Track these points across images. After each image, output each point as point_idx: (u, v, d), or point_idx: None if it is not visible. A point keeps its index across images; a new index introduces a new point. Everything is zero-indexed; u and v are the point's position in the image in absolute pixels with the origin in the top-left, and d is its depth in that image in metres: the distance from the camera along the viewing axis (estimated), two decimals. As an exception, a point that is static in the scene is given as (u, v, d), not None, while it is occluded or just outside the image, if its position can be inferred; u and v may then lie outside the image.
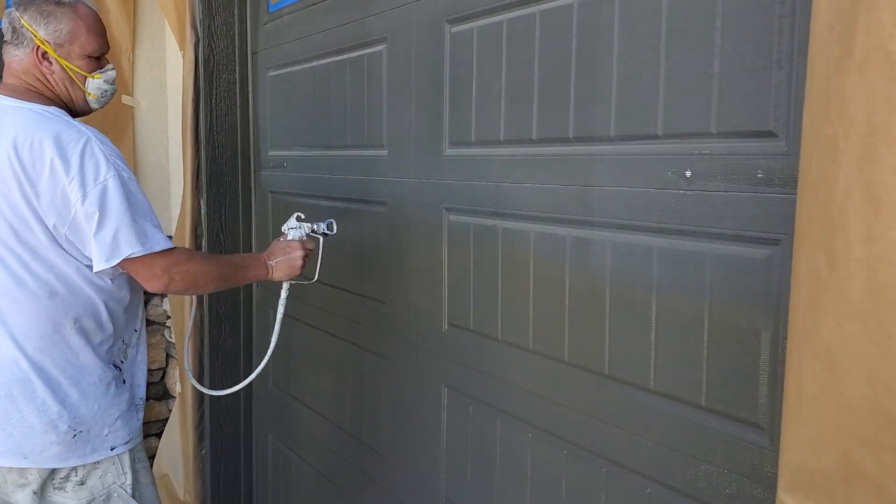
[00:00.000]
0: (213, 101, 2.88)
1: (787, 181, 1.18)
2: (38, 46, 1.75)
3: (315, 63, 2.50)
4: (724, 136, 1.29)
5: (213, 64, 2.87)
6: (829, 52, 0.88)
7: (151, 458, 3.05)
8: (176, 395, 3.25)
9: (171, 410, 3.31)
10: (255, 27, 2.89)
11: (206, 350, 2.97)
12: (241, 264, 1.91)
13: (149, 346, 3.29)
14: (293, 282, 2.02)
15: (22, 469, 1.71)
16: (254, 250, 3.01)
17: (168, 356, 3.46)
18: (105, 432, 1.76)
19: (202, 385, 2.27)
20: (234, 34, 2.90)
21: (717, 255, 1.31)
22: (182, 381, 3.06)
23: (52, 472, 1.73)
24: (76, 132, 1.68)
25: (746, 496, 1.28)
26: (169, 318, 3.35)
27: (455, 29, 1.86)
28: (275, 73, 2.78)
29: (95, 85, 1.85)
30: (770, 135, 1.21)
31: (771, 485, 1.22)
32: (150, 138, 3.35)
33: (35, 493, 1.73)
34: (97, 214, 1.62)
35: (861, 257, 0.80)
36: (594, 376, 1.55)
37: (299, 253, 1.94)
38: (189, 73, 2.84)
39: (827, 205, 0.85)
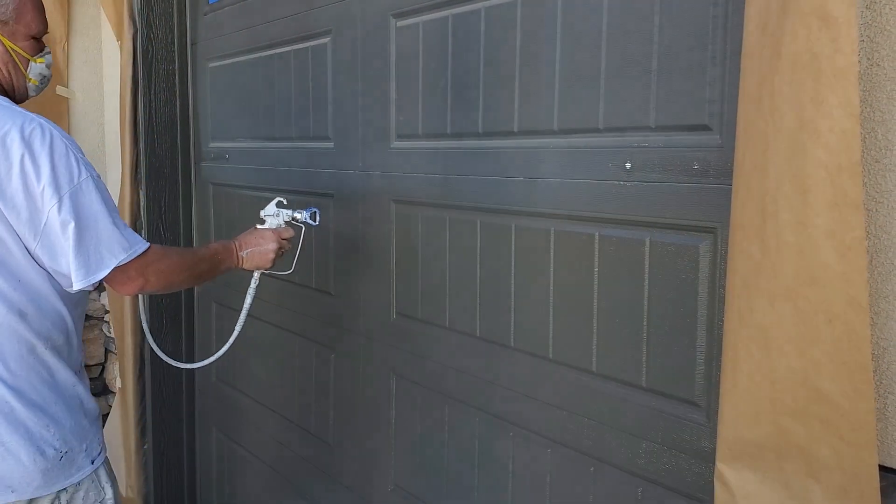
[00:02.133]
0: (152, 92, 2.84)
1: (722, 172, 1.25)
2: None
3: (257, 55, 2.50)
4: (662, 129, 1.35)
5: (151, 55, 2.82)
6: (760, 53, 0.95)
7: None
8: (116, 390, 3.20)
9: (111, 406, 3.26)
10: (195, 18, 2.86)
11: (147, 343, 2.94)
12: (214, 257, 1.75)
13: (87, 341, 3.26)
14: (266, 272, 1.91)
15: None
16: (194, 243, 2.98)
17: (107, 351, 3.40)
18: (84, 446, 1.62)
19: (171, 358, 2.21)
20: (172, 25, 2.86)
21: (656, 243, 1.38)
22: (122, 376, 3.02)
23: (31, 501, 1.56)
24: (37, 124, 1.47)
25: (684, 470, 1.35)
26: (107, 312, 3.29)
27: (401, 23, 1.89)
28: (215, 63, 2.75)
29: (38, 70, 1.68)
30: (705, 128, 1.28)
31: (707, 458, 1.30)
32: (86, 130, 3.28)
33: None
34: (73, 224, 1.44)
35: (792, 242, 0.87)
36: (539, 360, 1.61)
37: (272, 246, 1.83)
38: (127, 63, 2.80)
39: (760, 194, 0.92)
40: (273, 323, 2.55)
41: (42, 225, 1.44)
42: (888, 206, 0.95)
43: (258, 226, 1.89)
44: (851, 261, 0.83)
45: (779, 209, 0.88)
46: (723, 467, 1.02)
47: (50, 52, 1.73)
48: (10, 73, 1.62)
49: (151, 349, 2.93)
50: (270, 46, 2.42)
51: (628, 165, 1.41)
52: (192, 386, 3.08)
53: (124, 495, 3.06)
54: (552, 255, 1.57)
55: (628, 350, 1.43)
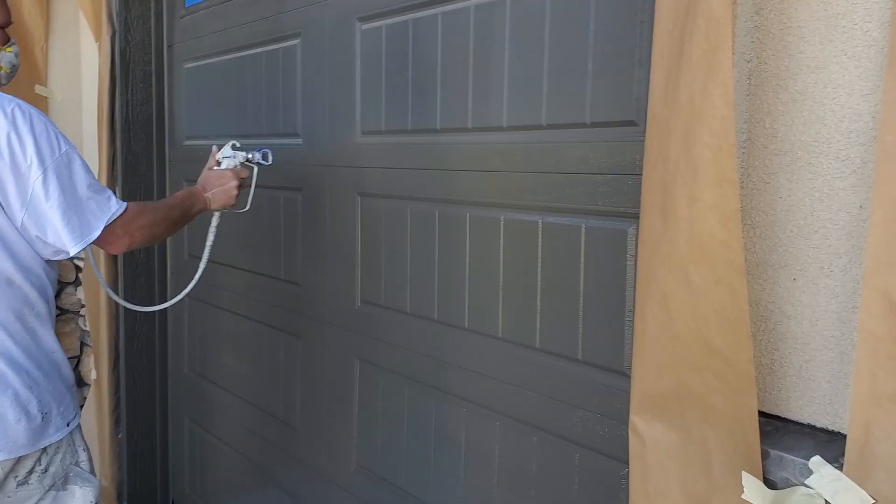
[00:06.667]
0: (129, 91, 2.94)
1: (647, 163, 1.38)
2: None
3: (231, 56, 2.61)
4: (596, 125, 1.49)
5: (128, 55, 2.93)
6: (668, 51, 1.08)
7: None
8: (91, 382, 3.29)
9: (86, 398, 3.34)
10: (171, 21, 2.97)
11: (122, 336, 3.03)
12: (186, 203, 1.88)
13: (63, 334, 3.34)
14: (226, 211, 2.02)
15: None
16: (168, 240, 3.08)
17: (83, 344, 3.48)
18: (61, 409, 1.72)
19: (128, 302, 2.30)
20: (149, 27, 2.97)
21: (591, 229, 1.51)
22: (97, 368, 3.10)
23: (16, 465, 1.65)
24: (16, 104, 1.57)
25: (617, 436, 1.48)
26: (83, 306, 3.37)
27: (365, 26, 2.01)
28: (191, 65, 2.86)
29: (7, 59, 1.78)
30: (632, 123, 1.42)
31: (635, 423, 1.43)
32: (64, 128, 3.29)
33: (15, 484, 1.66)
34: (60, 194, 1.55)
35: (685, 216, 1.00)
36: (489, 339, 1.73)
37: (234, 183, 1.96)
38: (105, 64, 2.90)
39: (662, 175, 1.05)
40: (242, 314, 2.65)
41: (29, 197, 1.54)
42: (774, 185, 1.08)
43: (213, 167, 2.01)
44: (731, 230, 0.96)
45: (676, 186, 1.01)
46: (635, 419, 1.14)
47: (16, 43, 1.82)
48: None
49: (126, 342, 3.03)
50: (243, 48, 2.53)
51: (567, 158, 1.54)
52: (164, 377, 3.18)
53: (98, 483, 3.14)
54: (502, 241, 1.70)
55: (567, 326, 1.56)
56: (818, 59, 1.03)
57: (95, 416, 3.14)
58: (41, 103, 3.27)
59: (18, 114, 1.54)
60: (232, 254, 2.68)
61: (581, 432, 1.55)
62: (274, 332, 2.51)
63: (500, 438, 1.73)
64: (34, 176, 1.53)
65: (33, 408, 1.64)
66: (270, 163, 2.05)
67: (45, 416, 1.67)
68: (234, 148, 2.02)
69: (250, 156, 2.02)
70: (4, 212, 1.56)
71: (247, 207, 2.07)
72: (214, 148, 2.05)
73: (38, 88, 3.23)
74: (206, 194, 1.93)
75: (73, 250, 1.58)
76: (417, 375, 1.94)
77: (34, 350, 1.68)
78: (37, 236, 1.59)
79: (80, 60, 3.38)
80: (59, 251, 1.63)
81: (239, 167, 2.00)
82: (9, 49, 1.76)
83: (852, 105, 0.99)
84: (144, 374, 3.13)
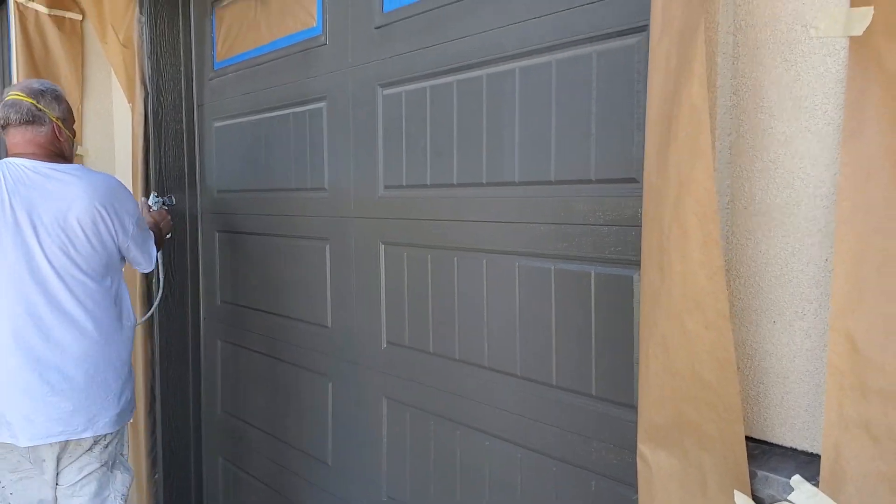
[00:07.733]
0: (163, 149, 3.15)
1: (646, 217, 1.55)
2: (55, 123, 2.30)
3: (259, 116, 2.81)
4: (600, 181, 1.66)
5: (161, 116, 3.14)
6: (658, 128, 1.26)
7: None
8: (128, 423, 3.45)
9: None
10: (201, 82, 3.18)
11: (157, 379, 3.20)
12: (161, 235, 2.77)
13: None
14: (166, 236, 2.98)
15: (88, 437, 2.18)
16: (201, 286, 3.28)
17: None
18: (132, 401, 2.31)
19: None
20: (180, 89, 3.19)
21: (599, 275, 1.68)
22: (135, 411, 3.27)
23: (105, 436, 2.22)
24: (116, 179, 2.35)
25: (628, 463, 1.63)
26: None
27: (386, 92, 2.21)
28: (220, 123, 3.07)
29: (76, 147, 2.44)
30: (633, 181, 1.59)
31: (644, 451, 1.58)
32: None
33: (84, 452, 2.20)
34: (140, 235, 2.35)
35: (679, 271, 1.17)
36: (509, 378, 1.89)
37: (168, 217, 2.94)
38: (139, 124, 3.11)
39: (658, 235, 1.22)
40: (274, 356, 2.82)
41: (129, 237, 2.30)
42: (755, 241, 1.25)
43: (152, 210, 2.97)
44: (716, 283, 1.13)
45: (670, 246, 1.18)
46: (642, 447, 1.30)
47: None
48: (70, 152, 2.38)
49: (161, 385, 3.20)
50: (271, 109, 2.74)
51: (576, 210, 1.71)
52: (198, 418, 3.34)
53: (137, 520, 3.29)
54: (517, 286, 1.87)
55: (580, 365, 1.72)
56: (786, 133, 1.20)
57: (132, 458, 3.30)
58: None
59: (118, 183, 2.31)
60: (263, 299, 2.86)
61: (596, 461, 1.70)
62: (305, 373, 2.67)
63: (522, 468, 1.88)
64: (132, 225, 2.30)
65: (125, 398, 2.26)
66: (174, 203, 3.14)
67: (129, 403, 2.28)
68: (156, 196, 3.06)
69: (165, 200, 3.08)
70: (119, 252, 2.31)
71: (169, 235, 3.00)
72: (143, 198, 3.05)
73: (75, 147, 3.44)
74: (161, 225, 2.81)
75: (146, 270, 2.48)
76: (442, 411, 2.10)
77: (129, 352, 2.31)
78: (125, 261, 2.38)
79: (113, 120, 3.60)
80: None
81: (161, 208, 3.02)
82: (78, 141, 2.50)
83: (816, 174, 1.17)
84: (179, 415, 3.29)
